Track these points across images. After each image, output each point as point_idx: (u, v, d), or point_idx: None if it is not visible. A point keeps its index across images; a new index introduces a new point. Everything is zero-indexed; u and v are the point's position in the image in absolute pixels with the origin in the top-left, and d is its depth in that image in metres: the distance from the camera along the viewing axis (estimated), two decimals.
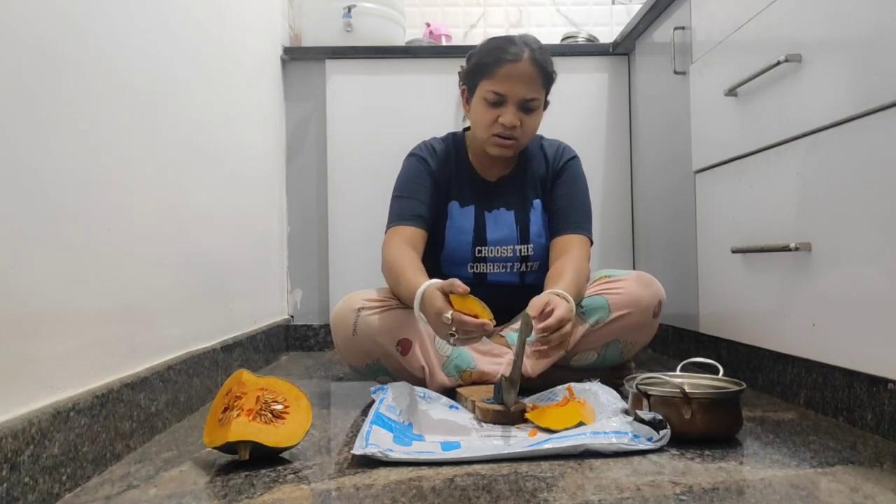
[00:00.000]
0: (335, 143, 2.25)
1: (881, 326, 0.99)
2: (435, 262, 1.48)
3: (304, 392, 1.03)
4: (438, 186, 1.49)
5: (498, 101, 1.39)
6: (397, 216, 1.45)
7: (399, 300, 1.35)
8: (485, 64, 1.39)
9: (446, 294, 1.13)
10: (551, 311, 1.13)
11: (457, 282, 1.11)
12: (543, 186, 1.52)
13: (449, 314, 1.08)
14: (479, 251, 1.47)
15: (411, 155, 1.53)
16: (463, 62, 1.49)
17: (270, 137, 2.09)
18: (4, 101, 0.76)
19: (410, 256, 1.35)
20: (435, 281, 1.18)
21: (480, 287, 1.42)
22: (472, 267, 1.48)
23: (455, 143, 1.55)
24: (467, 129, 1.56)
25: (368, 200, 2.19)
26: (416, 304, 1.20)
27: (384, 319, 1.35)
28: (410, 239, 1.41)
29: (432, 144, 1.54)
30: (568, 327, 1.13)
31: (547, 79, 1.41)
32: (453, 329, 1.08)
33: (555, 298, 1.16)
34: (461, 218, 1.49)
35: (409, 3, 2.60)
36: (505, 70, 1.36)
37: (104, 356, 0.98)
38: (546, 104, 1.47)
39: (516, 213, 1.49)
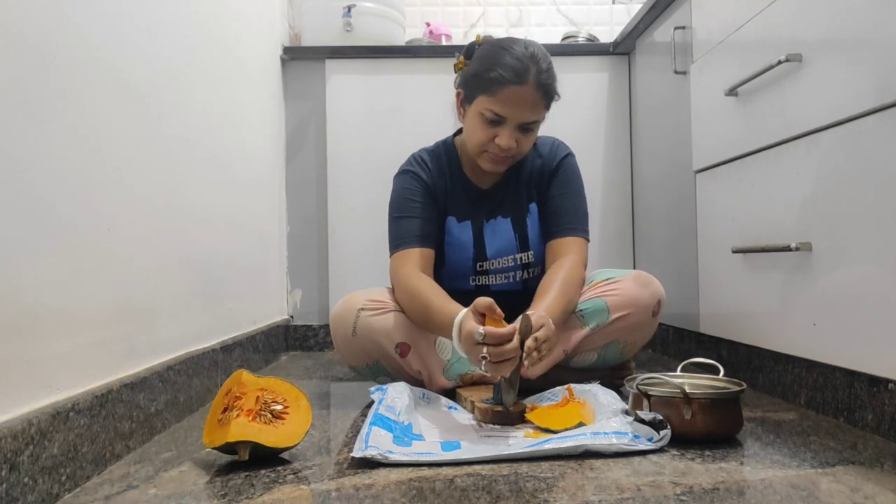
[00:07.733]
0: (335, 143, 2.25)
1: (882, 326, 0.98)
2: (436, 277, 1.41)
3: (304, 392, 1.03)
4: (437, 201, 1.44)
5: (496, 121, 1.30)
6: (401, 238, 1.39)
7: (426, 327, 1.31)
8: (487, 79, 1.29)
9: (482, 315, 1.10)
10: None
11: (494, 306, 1.10)
12: (539, 187, 1.47)
13: (482, 329, 1.04)
14: (481, 265, 1.44)
15: (403, 172, 1.46)
16: (460, 54, 1.40)
17: (270, 137, 2.08)
18: (4, 100, 0.76)
19: (432, 285, 1.30)
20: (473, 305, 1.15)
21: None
22: (473, 280, 1.45)
23: (447, 152, 1.48)
24: (457, 132, 1.50)
25: (368, 200, 2.19)
26: (454, 330, 1.14)
27: (384, 321, 1.35)
28: (421, 263, 1.36)
29: (423, 158, 1.47)
30: (543, 337, 1.10)
31: (550, 100, 1.34)
32: (485, 351, 1.04)
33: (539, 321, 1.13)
34: (460, 233, 1.44)
35: (409, 3, 2.60)
36: (508, 92, 1.27)
37: (104, 356, 0.98)
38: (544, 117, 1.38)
39: (514, 220, 1.45)
